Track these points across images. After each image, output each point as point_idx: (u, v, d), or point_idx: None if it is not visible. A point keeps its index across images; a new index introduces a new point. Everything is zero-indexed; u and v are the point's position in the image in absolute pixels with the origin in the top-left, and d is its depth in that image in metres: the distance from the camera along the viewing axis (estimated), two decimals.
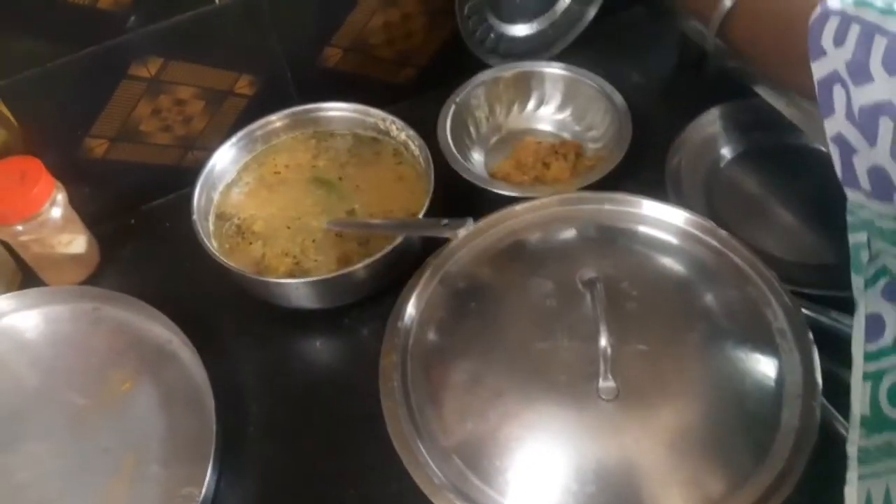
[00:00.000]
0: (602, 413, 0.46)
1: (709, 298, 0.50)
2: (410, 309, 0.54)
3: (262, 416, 0.59)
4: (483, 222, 0.57)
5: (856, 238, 0.45)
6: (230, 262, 0.59)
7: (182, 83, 0.67)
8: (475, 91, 0.72)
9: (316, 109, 0.70)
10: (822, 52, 0.45)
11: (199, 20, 0.64)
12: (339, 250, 0.62)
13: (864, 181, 0.44)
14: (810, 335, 0.48)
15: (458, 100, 0.71)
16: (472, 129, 0.72)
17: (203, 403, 0.56)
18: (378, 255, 0.57)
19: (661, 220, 0.54)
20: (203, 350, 0.58)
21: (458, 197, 0.64)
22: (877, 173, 0.43)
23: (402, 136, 0.68)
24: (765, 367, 0.47)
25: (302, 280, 0.58)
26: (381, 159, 0.69)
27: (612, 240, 0.54)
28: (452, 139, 0.68)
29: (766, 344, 0.48)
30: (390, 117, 0.68)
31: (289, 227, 0.64)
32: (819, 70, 0.45)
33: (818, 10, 0.46)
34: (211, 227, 0.64)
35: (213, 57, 0.67)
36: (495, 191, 0.64)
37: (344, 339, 0.62)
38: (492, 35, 0.77)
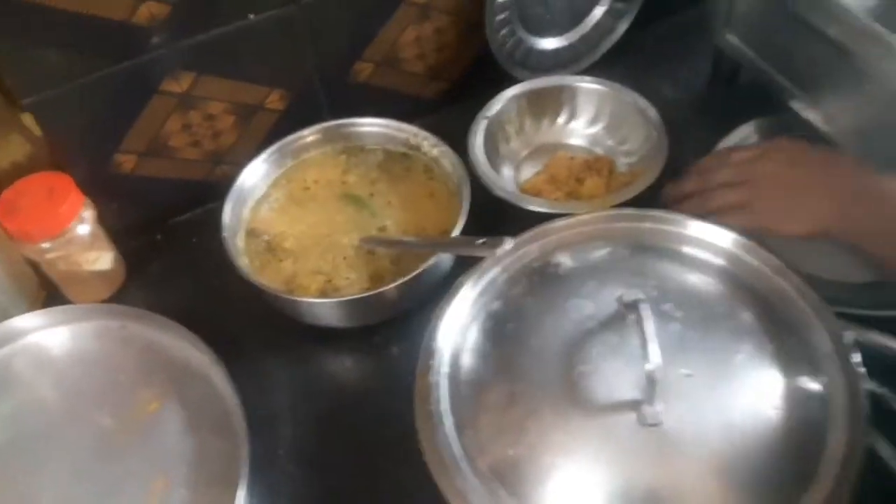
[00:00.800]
0: (645, 439, 0.45)
1: (753, 321, 0.49)
2: (445, 329, 0.52)
3: (293, 437, 0.58)
4: (519, 240, 0.56)
5: None
6: (260, 281, 0.58)
7: (213, 98, 0.67)
8: (505, 105, 0.71)
9: (347, 124, 0.69)
10: None
11: (233, 35, 0.64)
12: (370, 268, 0.61)
13: None
14: (856, 358, 0.46)
15: (488, 115, 0.70)
16: (501, 144, 0.71)
17: (232, 424, 0.55)
18: (411, 275, 0.56)
19: (702, 239, 0.53)
20: (231, 369, 0.57)
21: (489, 213, 0.63)
22: None
23: (434, 151, 0.67)
24: (810, 391, 0.46)
25: (335, 300, 0.57)
26: (411, 175, 0.68)
27: (655, 259, 0.53)
28: (484, 154, 0.67)
29: (812, 367, 0.47)
30: (422, 133, 0.67)
31: (320, 245, 0.64)
32: None
33: None
34: (240, 244, 0.64)
35: (244, 71, 0.67)
36: (528, 207, 0.62)
37: (374, 358, 0.61)
38: (522, 48, 0.76)
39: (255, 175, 0.67)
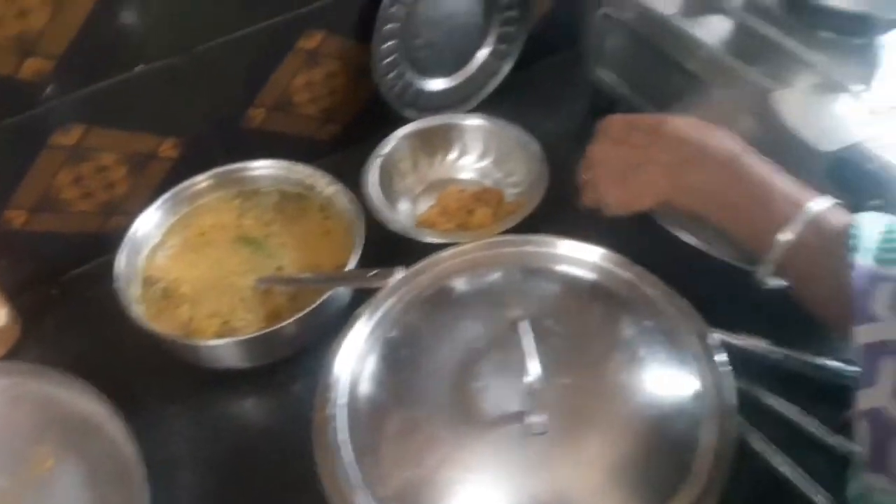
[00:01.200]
0: (534, 448, 0.47)
1: (627, 329, 0.52)
2: (342, 361, 0.54)
3: (196, 485, 0.57)
4: (411, 271, 0.58)
5: None
6: (157, 327, 0.59)
7: (104, 149, 0.67)
8: (398, 144, 0.74)
9: (241, 169, 0.71)
10: (874, 318, 0.40)
11: (121, 86, 0.64)
12: (268, 307, 0.62)
13: None
14: (722, 357, 0.50)
15: (382, 153, 0.72)
16: (396, 181, 0.74)
17: (132, 477, 0.54)
18: (307, 310, 0.57)
19: (578, 258, 0.56)
20: (131, 420, 0.56)
21: (386, 247, 0.65)
22: None
23: (329, 190, 0.69)
24: (683, 389, 0.49)
25: (231, 340, 0.57)
26: (307, 214, 0.70)
27: (536, 280, 0.56)
28: (378, 191, 0.69)
29: (683, 368, 0.50)
30: (317, 172, 0.69)
31: (216, 288, 0.64)
32: (868, 335, 0.41)
33: (858, 271, 0.42)
34: (136, 293, 0.63)
35: (136, 121, 0.67)
36: (422, 239, 0.65)
37: (276, 396, 0.62)
38: (411, 90, 0.79)
39: (150, 223, 0.67)
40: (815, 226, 0.47)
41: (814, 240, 0.47)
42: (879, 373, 0.39)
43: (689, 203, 0.54)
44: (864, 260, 0.42)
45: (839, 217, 0.47)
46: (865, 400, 0.40)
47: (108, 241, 0.66)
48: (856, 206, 0.55)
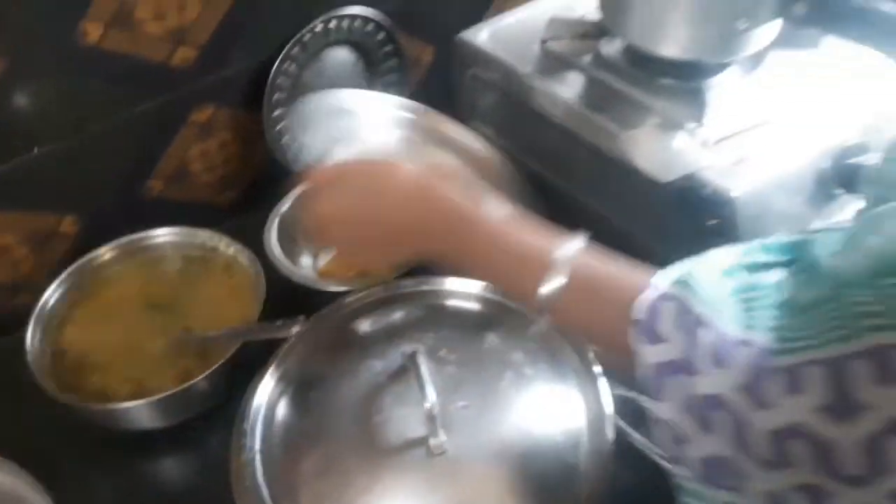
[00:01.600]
0: (438, 468, 0.52)
1: (513, 352, 0.58)
2: (255, 409, 0.57)
3: None
4: (315, 318, 0.63)
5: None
6: (70, 397, 0.60)
7: (5, 231, 0.68)
8: (297, 202, 0.79)
9: (144, 238, 0.73)
10: (661, 338, 0.40)
11: (18, 170, 0.66)
12: (179, 367, 0.65)
13: (697, 468, 0.40)
14: (598, 369, 0.57)
15: (282, 211, 0.77)
16: (298, 238, 0.78)
17: None
18: (216, 365, 0.61)
19: (464, 292, 0.63)
20: (53, 491, 0.57)
21: (292, 300, 0.69)
22: (714, 462, 0.39)
23: (231, 250, 0.72)
24: (566, 401, 0.56)
25: (144, 401, 0.60)
26: (212, 276, 0.73)
27: (429, 315, 0.62)
28: (280, 248, 0.73)
29: (565, 382, 0.57)
30: (217, 235, 0.73)
31: (127, 354, 0.66)
32: (658, 355, 0.40)
33: (649, 293, 0.41)
34: (47, 367, 0.65)
35: (34, 202, 0.69)
36: (325, 289, 0.70)
37: (195, 451, 0.64)
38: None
39: (56, 298, 0.69)
40: (574, 273, 0.44)
41: (577, 286, 0.44)
42: (666, 390, 0.40)
43: (438, 262, 0.51)
44: (660, 281, 0.42)
45: (594, 257, 0.45)
46: (656, 412, 0.41)
47: (16, 319, 0.67)
48: (697, 226, 0.64)
